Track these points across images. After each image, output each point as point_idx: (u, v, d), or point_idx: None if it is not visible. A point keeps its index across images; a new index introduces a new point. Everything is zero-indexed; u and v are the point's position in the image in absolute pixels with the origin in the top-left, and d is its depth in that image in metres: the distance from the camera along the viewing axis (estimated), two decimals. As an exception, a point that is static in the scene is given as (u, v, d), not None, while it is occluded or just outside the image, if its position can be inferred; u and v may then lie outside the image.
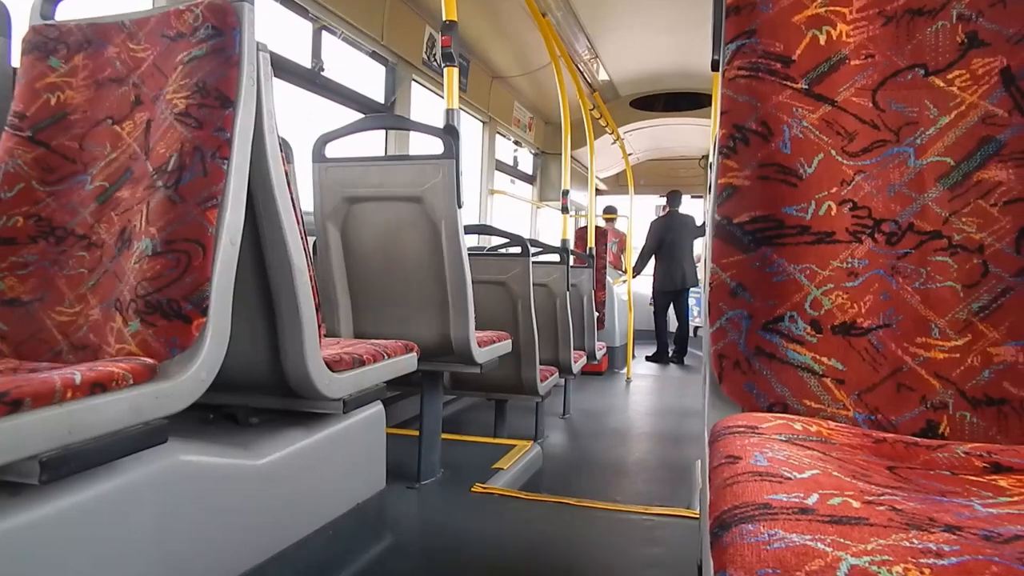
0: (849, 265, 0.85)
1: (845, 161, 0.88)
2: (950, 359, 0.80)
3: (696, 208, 8.99)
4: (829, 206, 0.87)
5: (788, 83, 0.91)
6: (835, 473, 0.57)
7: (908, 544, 0.43)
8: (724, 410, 0.86)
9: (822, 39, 0.92)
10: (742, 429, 0.70)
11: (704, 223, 6.73)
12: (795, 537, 0.44)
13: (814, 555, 0.42)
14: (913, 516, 0.48)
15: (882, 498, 0.52)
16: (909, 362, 0.81)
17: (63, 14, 1.39)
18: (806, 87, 0.91)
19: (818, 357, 0.83)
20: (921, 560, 0.40)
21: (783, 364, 0.84)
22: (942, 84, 0.87)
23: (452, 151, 2.11)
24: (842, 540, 0.43)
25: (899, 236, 0.85)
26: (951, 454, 0.69)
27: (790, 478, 0.54)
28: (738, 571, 0.43)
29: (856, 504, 0.49)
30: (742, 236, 0.88)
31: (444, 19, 2.26)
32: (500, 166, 6.16)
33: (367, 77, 4.00)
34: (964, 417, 0.78)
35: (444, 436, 2.42)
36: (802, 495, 0.50)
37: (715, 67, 1.00)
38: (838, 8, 0.92)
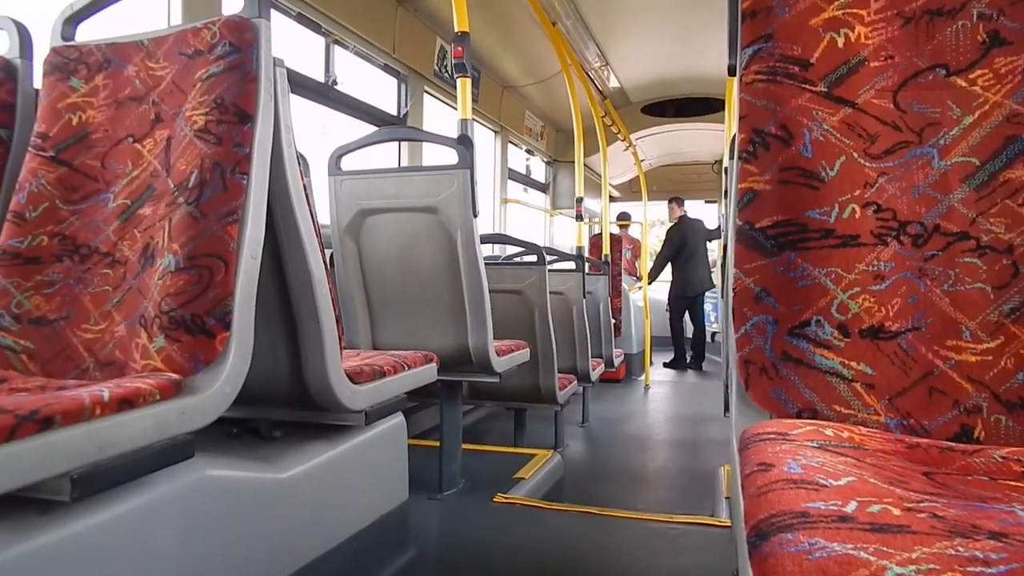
0: (875, 268, 0.84)
1: (868, 163, 0.87)
2: (982, 362, 0.79)
3: (710, 213, 8.96)
4: (853, 209, 0.86)
5: (807, 86, 0.91)
6: (871, 480, 0.56)
7: (953, 552, 0.42)
8: (751, 417, 0.85)
9: (840, 41, 0.91)
10: (772, 436, 0.69)
11: (718, 226, 6.72)
12: (836, 546, 0.43)
13: (857, 564, 0.41)
14: (956, 523, 0.47)
15: (922, 505, 0.51)
16: (940, 365, 0.80)
17: (83, 35, 1.41)
18: (825, 90, 0.90)
19: (847, 362, 0.82)
20: (968, 569, 0.40)
21: (811, 369, 0.83)
22: (964, 84, 0.86)
23: (467, 161, 2.11)
24: (885, 548, 0.42)
25: (925, 238, 0.83)
26: (988, 459, 0.68)
27: (826, 485, 0.53)
28: None
29: (896, 511, 0.48)
30: (764, 241, 0.88)
31: (456, 30, 2.28)
32: (513, 175, 6.18)
33: (380, 90, 4.03)
34: (999, 421, 0.77)
35: (464, 446, 2.42)
36: (840, 503, 0.50)
37: (732, 72, 0.99)
38: (856, 10, 0.91)
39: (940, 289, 0.82)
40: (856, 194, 0.86)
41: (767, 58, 0.92)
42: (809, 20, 0.92)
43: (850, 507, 0.49)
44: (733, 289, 0.88)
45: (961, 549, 0.42)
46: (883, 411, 0.80)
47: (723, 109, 6.38)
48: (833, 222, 0.86)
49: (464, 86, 2.26)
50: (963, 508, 0.52)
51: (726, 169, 2.43)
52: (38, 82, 1.38)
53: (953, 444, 0.72)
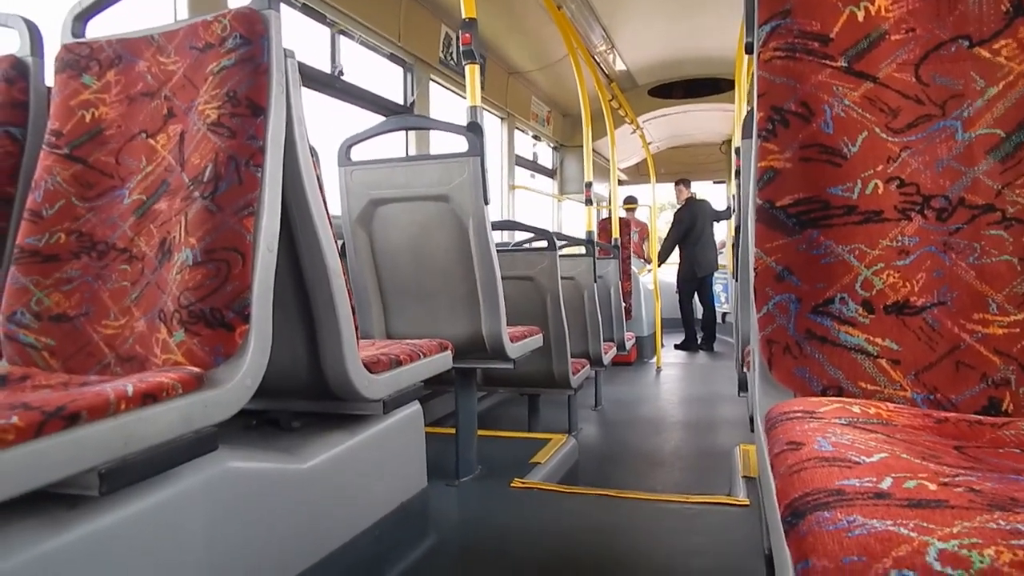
0: (899, 243, 0.83)
1: (890, 138, 0.86)
2: (1010, 334, 0.78)
3: (718, 193, 8.92)
4: (876, 184, 0.85)
5: (827, 62, 0.89)
6: (904, 455, 0.56)
7: (995, 526, 0.41)
8: (774, 396, 0.85)
9: (860, 15, 0.90)
10: (799, 414, 0.69)
11: (727, 207, 6.69)
12: (876, 523, 0.43)
13: (899, 540, 0.41)
14: (993, 497, 0.46)
15: (957, 479, 0.50)
16: (967, 339, 0.79)
17: (92, 32, 1.41)
18: (846, 65, 0.89)
19: (872, 338, 0.82)
20: (1012, 542, 0.39)
21: (835, 347, 0.82)
22: (988, 55, 0.85)
23: (477, 148, 2.10)
24: (925, 524, 0.42)
25: (950, 212, 0.82)
26: (1018, 431, 0.67)
27: (859, 462, 0.53)
28: (821, 560, 0.42)
29: (932, 486, 0.48)
30: (786, 219, 0.87)
31: (463, 16, 2.26)
32: (520, 161, 6.16)
33: (385, 79, 4.02)
34: None
35: (479, 433, 2.43)
36: (875, 479, 0.49)
37: (749, 50, 0.98)
38: None
39: (965, 263, 0.81)
40: (879, 169, 0.85)
41: (785, 34, 0.91)
42: None
43: (885, 483, 0.49)
44: (755, 268, 0.88)
45: (1002, 523, 0.42)
46: (909, 386, 0.80)
47: (730, 89, 6.32)
48: (856, 198, 0.85)
49: (473, 73, 2.25)
50: (999, 481, 0.51)
51: (737, 149, 2.41)
52: (50, 80, 1.38)
53: (982, 417, 0.72)
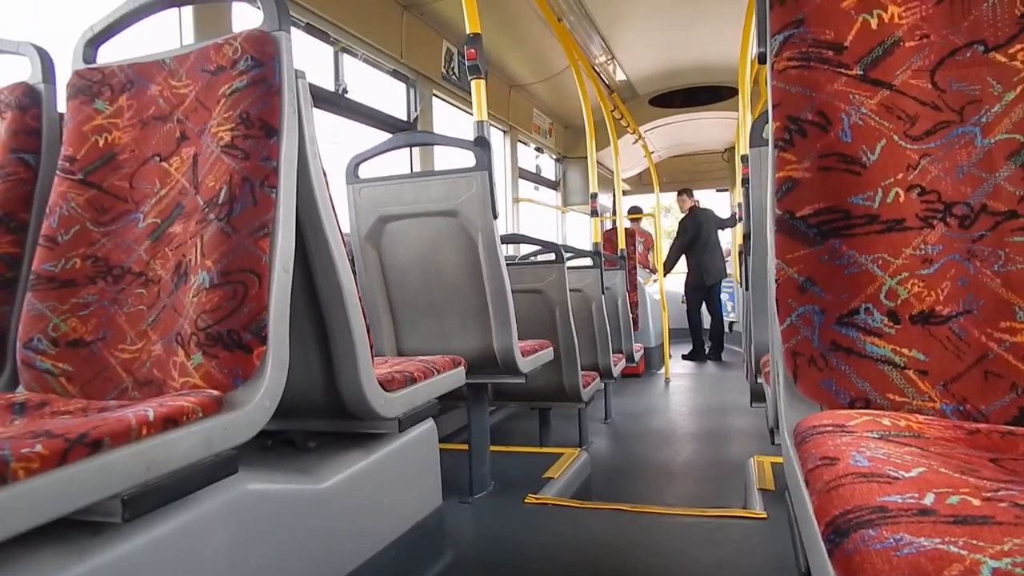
0: (923, 252, 0.82)
1: (909, 145, 0.86)
2: None
3: (720, 201, 8.93)
4: (896, 192, 0.84)
5: (842, 70, 0.89)
6: (941, 469, 0.55)
7: None
8: (801, 409, 0.84)
9: (873, 23, 0.90)
10: (830, 428, 0.68)
11: (732, 215, 6.70)
12: (924, 541, 0.42)
13: (950, 559, 0.40)
14: None
15: (999, 494, 0.50)
16: (995, 348, 0.78)
17: (103, 57, 1.42)
18: (861, 73, 0.89)
19: (898, 349, 0.81)
20: None
21: (862, 358, 0.82)
22: (1004, 59, 0.85)
23: (484, 163, 2.11)
24: (975, 542, 0.41)
25: (972, 219, 0.82)
26: None
27: (898, 477, 0.52)
28: None
29: (976, 502, 0.47)
30: (807, 230, 0.86)
31: (468, 32, 2.27)
32: (523, 174, 6.17)
33: (387, 95, 4.04)
34: None
35: (491, 448, 2.42)
36: (917, 495, 0.49)
37: (762, 59, 0.98)
38: None
39: (990, 270, 0.80)
40: (899, 177, 0.85)
41: (799, 44, 0.91)
42: (840, 3, 0.91)
43: (928, 499, 0.48)
44: (776, 280, 0.87)
45: None
46: (938, 397, 0.79)
47: (731, 97, 6.34)
48: (877, 207, 0.84)
49: (479, 88, 2.26)
50: None
51: (744, 156, 2.40)
52: (61, 106, 1.39)
53: (1014, 428, 0.71)
